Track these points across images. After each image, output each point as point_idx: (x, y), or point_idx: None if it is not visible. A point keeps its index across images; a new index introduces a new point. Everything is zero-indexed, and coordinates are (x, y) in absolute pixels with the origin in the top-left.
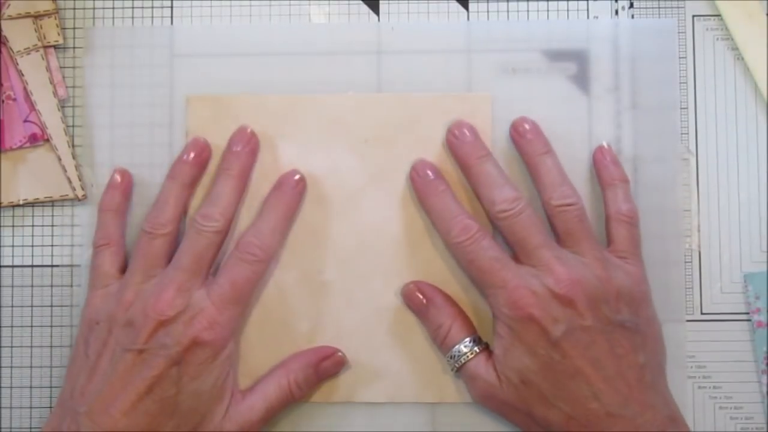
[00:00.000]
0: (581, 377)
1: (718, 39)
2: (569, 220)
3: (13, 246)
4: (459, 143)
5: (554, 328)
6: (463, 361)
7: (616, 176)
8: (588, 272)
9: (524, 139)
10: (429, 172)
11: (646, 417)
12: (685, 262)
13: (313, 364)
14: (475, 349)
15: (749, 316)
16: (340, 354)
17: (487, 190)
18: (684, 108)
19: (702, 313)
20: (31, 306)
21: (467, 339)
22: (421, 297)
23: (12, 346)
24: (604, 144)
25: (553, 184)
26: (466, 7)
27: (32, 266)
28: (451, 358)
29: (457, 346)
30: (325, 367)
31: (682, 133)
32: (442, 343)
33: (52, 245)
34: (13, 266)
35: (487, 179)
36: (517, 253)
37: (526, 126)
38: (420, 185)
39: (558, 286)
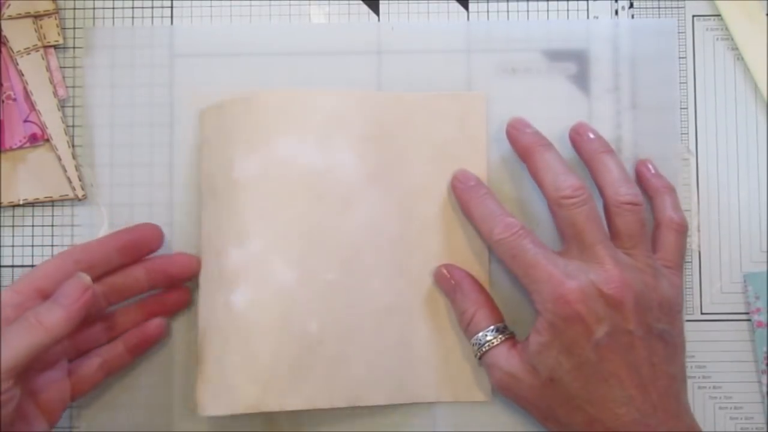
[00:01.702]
0: (615, 381)
1: (718, 39)
2: (633, 221)
3: (13, 246)
4: (520, 134)
5: (597, 329)
6: (484, 349)
7: (664, 185)
8: (638, 277)
9: (584, 138)
10: (470, 180)
11: (669, 426)
12: (685, 262)
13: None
14: (499, 337)
15: (749, 316)
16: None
17: (552, 176)
18: (684, 108)
19: (702, 313)
20: None
21: (491, 327)
22: (450, 280)
23: None
24: (647, 163)
25: (620, 180)
26: (466, 7)
27: (32, 266)
28: (474, 344)
29: (480, 333)
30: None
31: (682, 133)
32: (466, 329)
33: (52, 245)
34: (13, 266)
35: (552, 165)
36: (570, 245)
37: (588, 129)
38: (462, 191)
39: (608, 285)
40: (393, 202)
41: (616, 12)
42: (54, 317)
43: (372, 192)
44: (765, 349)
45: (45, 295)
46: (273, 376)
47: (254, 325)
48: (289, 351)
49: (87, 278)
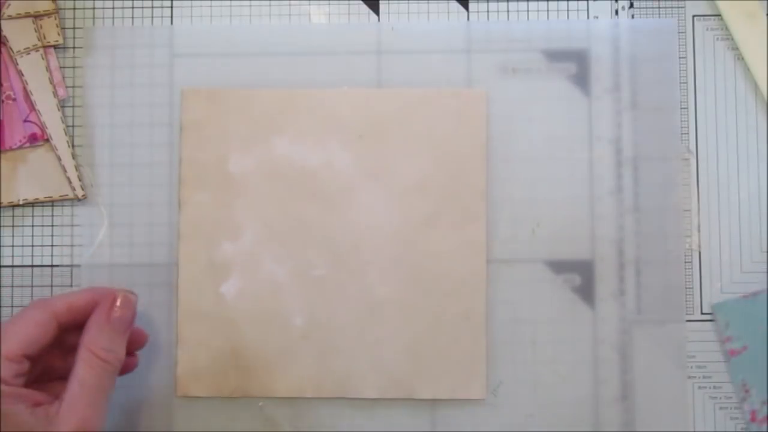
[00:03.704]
0: None
1: (718, 39)
2: None
3: (13, 246)
4: None
5: None
6: None
7: None
8: None
9: None
10: None
11: None
12: (685, 262)
13: (105, 320)
14: None
15: (722, 346)
16: (122, 294)
17: None
18: (684, 108)
19: (702, 313)
20: None
21: None
22: None
23: None
24: None
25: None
26: (466, 7)
27: (32, 266)
28: None
29: None
30: (118, 316)
31: (682, 133)
32: None
33: (52, 245)
34: (13, 266)
35: None
36: None
37: None
38: None
39: None
40: (391, 198)
41: (616, 12)
42: (120, 347)
43: (369, 189)
44: (742, 377)
45: (30, 359)
46: (258, 364)
47: (242, 315)
48: (275, 342)
49: (134, 298)
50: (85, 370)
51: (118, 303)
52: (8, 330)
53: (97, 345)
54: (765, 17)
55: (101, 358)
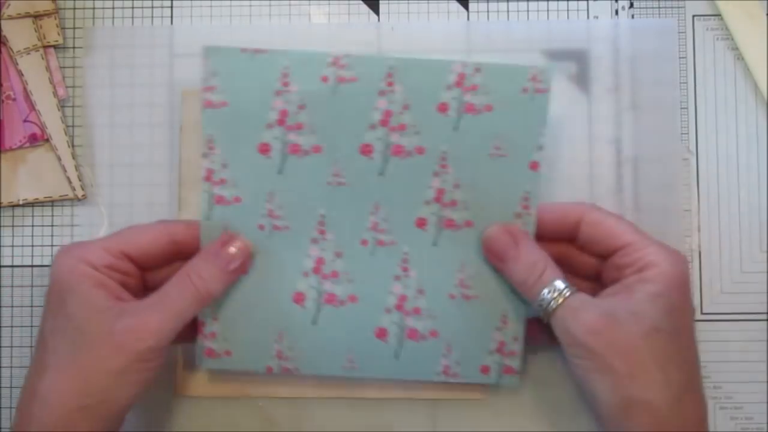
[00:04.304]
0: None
1: (718, 39)
2: None
3: (13, 246)
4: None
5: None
6: (567, 294)
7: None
8: None
9: None
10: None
11: None
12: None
13: (213, 253)
14: (573, 287)
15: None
16: (242, 240)
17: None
18: (684, 108)
19: (702, 313)
20: (31, 306)
21: (562, 278)
22: (509, 237)
23: (12, 346)
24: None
25: None
26: (466, 7)
27: (32, 266)
28: (552, 291)
29: (557, 281)
30: (228, 254)
31: (682, 133)
32: (537, 281)
33: (52, 245)
34: (13, 266)
35: None
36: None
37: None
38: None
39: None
40: None
41: (616, 12)
42: (215, 282)
43: None
44: (210, 132)
45: (133, 262)
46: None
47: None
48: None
49: (249, 252)
50: (171, 283)
51: (233, 243)
52: (122, 230)
53: (193, 268)
54: (765, 17)
55: (191, 279)
